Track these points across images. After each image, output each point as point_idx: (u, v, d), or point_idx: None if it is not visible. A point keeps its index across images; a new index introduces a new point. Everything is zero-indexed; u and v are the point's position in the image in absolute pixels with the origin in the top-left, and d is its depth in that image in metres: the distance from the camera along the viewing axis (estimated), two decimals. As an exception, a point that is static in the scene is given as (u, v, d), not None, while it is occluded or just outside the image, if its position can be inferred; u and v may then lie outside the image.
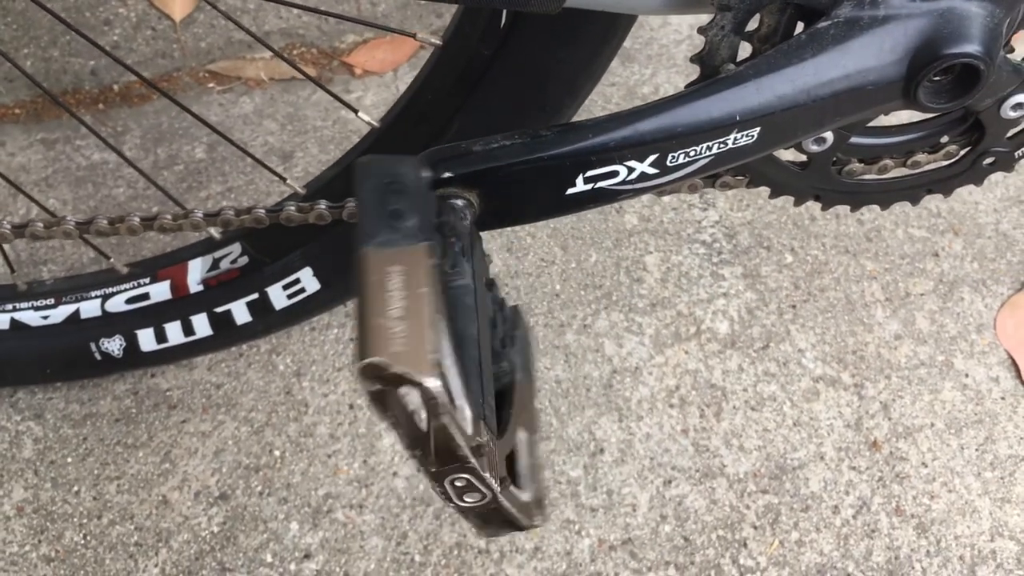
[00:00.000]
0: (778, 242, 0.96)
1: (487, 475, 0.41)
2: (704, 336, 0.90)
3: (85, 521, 0.76)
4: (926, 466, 0.84)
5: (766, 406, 0.86)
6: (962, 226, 0.99)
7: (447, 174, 0.46)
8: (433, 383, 0.36)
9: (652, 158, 0.46)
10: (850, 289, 0.93)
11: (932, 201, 1.00)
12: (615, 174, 0.47)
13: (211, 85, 1.00)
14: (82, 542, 0.75)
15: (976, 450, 0.85)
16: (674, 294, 0.92)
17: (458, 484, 0.42)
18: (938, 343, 0.91)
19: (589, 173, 0.47)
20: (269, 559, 0.76)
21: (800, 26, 0.47)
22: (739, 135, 0.46)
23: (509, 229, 0.94)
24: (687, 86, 0.47)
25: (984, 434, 0.86)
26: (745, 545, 0.79)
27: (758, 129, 0.46)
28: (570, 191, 0.47)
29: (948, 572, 0.78)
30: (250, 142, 0.96)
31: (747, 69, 0.45)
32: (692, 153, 0.47)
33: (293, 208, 0.57)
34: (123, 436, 0.80)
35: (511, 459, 0.45)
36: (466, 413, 0.39)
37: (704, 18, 0.47)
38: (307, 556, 0.76)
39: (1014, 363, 0.90)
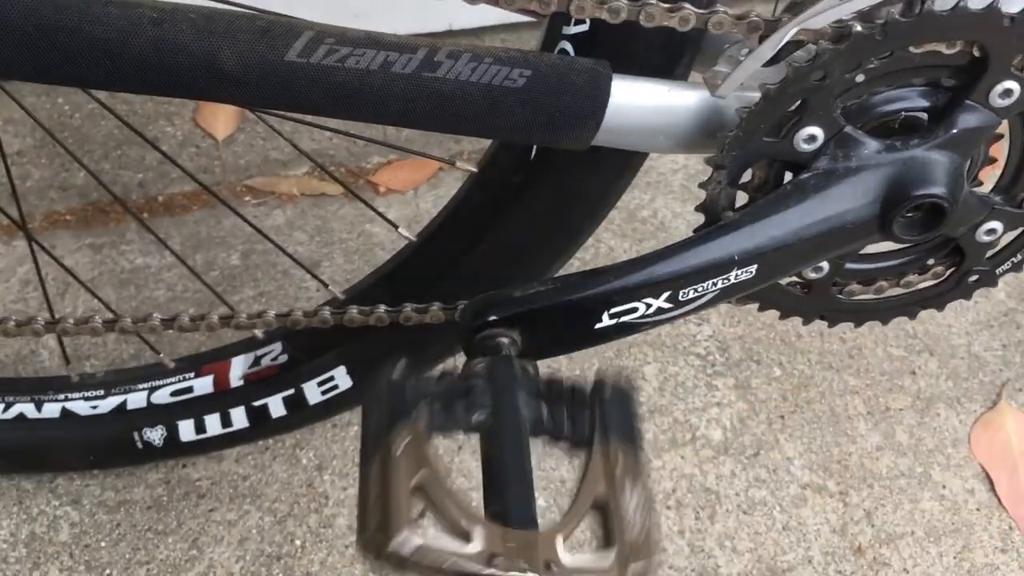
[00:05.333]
0: (767, 356, 1.03)
1: (524, 574, 0.47)
2: (699, 442, 0.96)
3: (117, 603, 0.81)
4: (907, 572, 0.89)
5: (757, 510, 0.92)
6: (937, 347, 1.07)
7: (492, 317, 0.54)
8: (403, 547, 0.44)
9: (666, 295, 0.54)
10: (834, 402, 1.00)
11: (908, 323, 1.08)
12: (635, 310, 0.55)
13: (247, 198, 1.09)
14: (114, 623, 0.79)
15: (954, 558, 0.91)
16: (671, 402, 0.99)
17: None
18: (916, 455, 0.97)
19: (613, 310, 0.55)
20: (289, 644, 0.80)
21: (788, 176, 0.56)
22: (739, 272, 0.54)
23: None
24: (695, 231, 0.55)
25: (961, 543, 0.92)
26: (738, 642, 0.84)
27: (755, 266, 0.54)
28: (598, 326, 0.55)
29: (928, 672, 0.83)
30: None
31: (743, 217, 0.54)
32: (700, 289, 0.55)
33: (328, 312, 0.65)
34: (154, 523, 0.85)
35: (606, 517, 0.50)
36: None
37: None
38: (325, 642, 0.80)
39: (988, 477, 0.97)
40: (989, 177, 0.60)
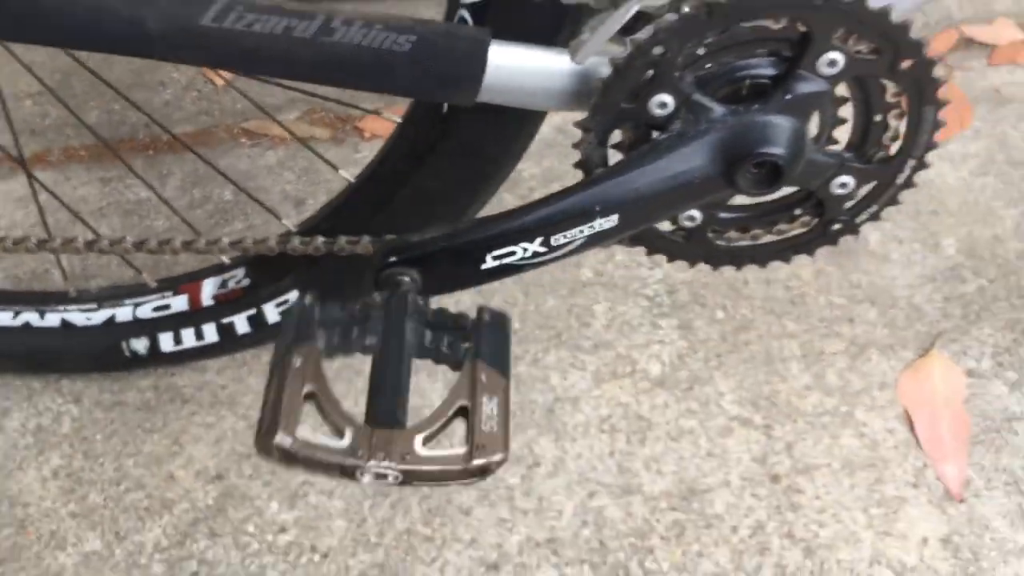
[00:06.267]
0: (712, 301, 1.11)
1: (380, 463, 0.57)
2: (638, 375, 1.05)
3: (106, 487, 0.94)
4: (819, 499, 0.98)
5: (684, 438, 1.01)
6: (879, 297, 1.13)
7: (393, 258, 0.63)
8: (284, 441, 0.55)
9: (539, 240, 0.63)
10: (771, 344, 1.08)
11: (854, 274, 1.15)
12: (514, 253, 0.64)
13: (243, 140, 1.19)
14: (102, 503, 0.93)
15: (866, 489, 0.99)
16: (615, 338, 1.08)
17: (375, 475, 0.58)
18: (843, 396, 1.05)
19: (495, 253, 0.64)
20: (251, 529, 0.92)
21: (655, 135, 0.64)
22: (602, 221, 0.63)
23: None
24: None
25: (875, 476, 1.00)
26: (652, 552, 0.93)
27: (616, 216, 0.63)
28: (484, 267, 0.64)
29: (820, 587, 0.92)
30: (271, 188, 1.14)
31: (604, 172, 0.62)
32: (569, 235, 0.63)
33: (273, 241, 0.75)
34: (142, 421, 0.98)
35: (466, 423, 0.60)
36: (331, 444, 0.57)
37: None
38: (283, 530, 0.92)
39: (909, 418, 1.04)
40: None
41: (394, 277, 0.65)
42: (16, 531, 0.92)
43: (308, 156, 1.17)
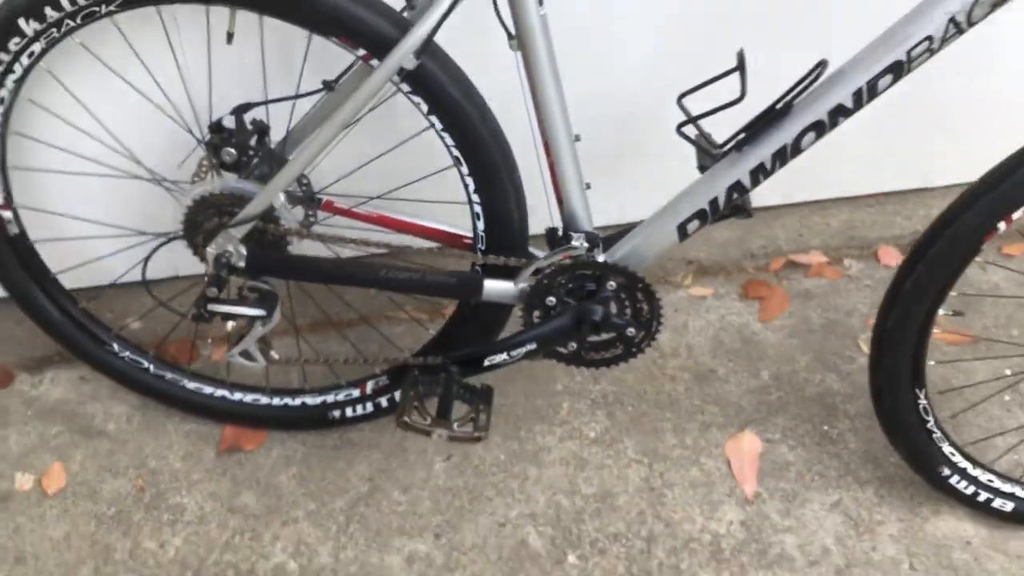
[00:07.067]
0: (626, 401, 2.07)
1: (441, 431, 1.58)
2: (583, 438, 2.01)
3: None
4: (676, 501, 1.90)
5: (606, 469, 1.95)
6: (720, 401, 2.08)
7: (447, 362, 1.66)
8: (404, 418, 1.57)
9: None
10: (656, 425, 2.03)
11: (708, 389, 2.10)
12: (503, 360, 1.66)
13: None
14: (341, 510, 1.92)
15: (703, 496, 1.91)
16: (571, 419, 2.04)
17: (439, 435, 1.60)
18: (694, 451, 1.97)
19: (487, 363, 1.65)
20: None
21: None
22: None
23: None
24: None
25: (710, 489, 1.92)
26: (584, 522, 1.87)
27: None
28: (484, 365, 1.66)
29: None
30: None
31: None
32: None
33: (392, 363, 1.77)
34: (334, 460, 1.98)
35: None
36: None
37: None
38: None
39: (729, 463, 1.96)
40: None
41: (446, 368, 1.66)
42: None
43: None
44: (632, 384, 2.10)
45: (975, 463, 1.82)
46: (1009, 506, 1.84)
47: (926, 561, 1.80)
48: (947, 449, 1.78)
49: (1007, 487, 1.83)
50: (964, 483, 1.82)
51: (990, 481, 1.83)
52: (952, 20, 1.30)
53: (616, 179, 2.06)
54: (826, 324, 2.23)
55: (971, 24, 1.31)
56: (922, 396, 1.70)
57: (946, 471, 1.80)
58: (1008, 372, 2.12)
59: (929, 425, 1.74)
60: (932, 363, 1.71)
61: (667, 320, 2.16)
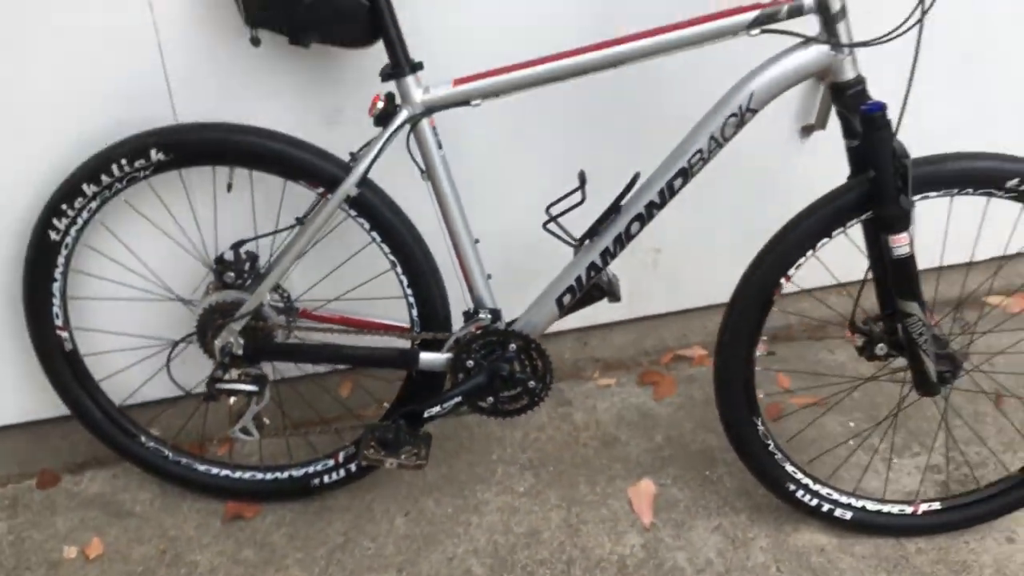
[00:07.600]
0: (550, 463, 2.59)
1: (391, 460, 2.12)
2: (513, 492, 2.51)
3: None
4: (582, 534, 2.39)
5: (534, 512, 2.44)
6: (624, 459, 2.61)
7: (399, 420, 2.23)
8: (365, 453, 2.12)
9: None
10: (573, 478, 2.54)
11: (615, 450, 2.63)
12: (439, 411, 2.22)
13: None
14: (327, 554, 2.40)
15: (610, 527, 2.40)
16: (505, 480, 2.55)
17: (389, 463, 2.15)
18: (602, 495, 2.48)
19: (426, 415, 2.21)
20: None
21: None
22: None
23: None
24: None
25: (615, 523, 2.41)
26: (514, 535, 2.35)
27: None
28: (424, 417, 2.21)
29: (574, 552, 2.33)
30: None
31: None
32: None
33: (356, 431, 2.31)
34: (316, 519, 2.46)
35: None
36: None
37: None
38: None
39: (631, 502, 2.46)
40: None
41: (395, 420, 2.20)
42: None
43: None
44: (552, 451, 2.62)
45: (815, 479, 2.33)
46: (848, 515, 2.33)
47: (790, 565, 2.28)
48: (789, 468, 2.30)
49: (844, 499, 2.33)
50: (808, 496, 2.32)
51: (830, 494, 2.33)
52: (712, 138, 1.96)
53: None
54: (706, 399, 2.78)
55: (726, 140, 1.97)
56: (759, 423, 2.24)
57: (791, 487, 2.31)
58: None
59: (770, 448, 2.27)
60: (762, 395, 2.26)
61: (579, 403, 2.75)
